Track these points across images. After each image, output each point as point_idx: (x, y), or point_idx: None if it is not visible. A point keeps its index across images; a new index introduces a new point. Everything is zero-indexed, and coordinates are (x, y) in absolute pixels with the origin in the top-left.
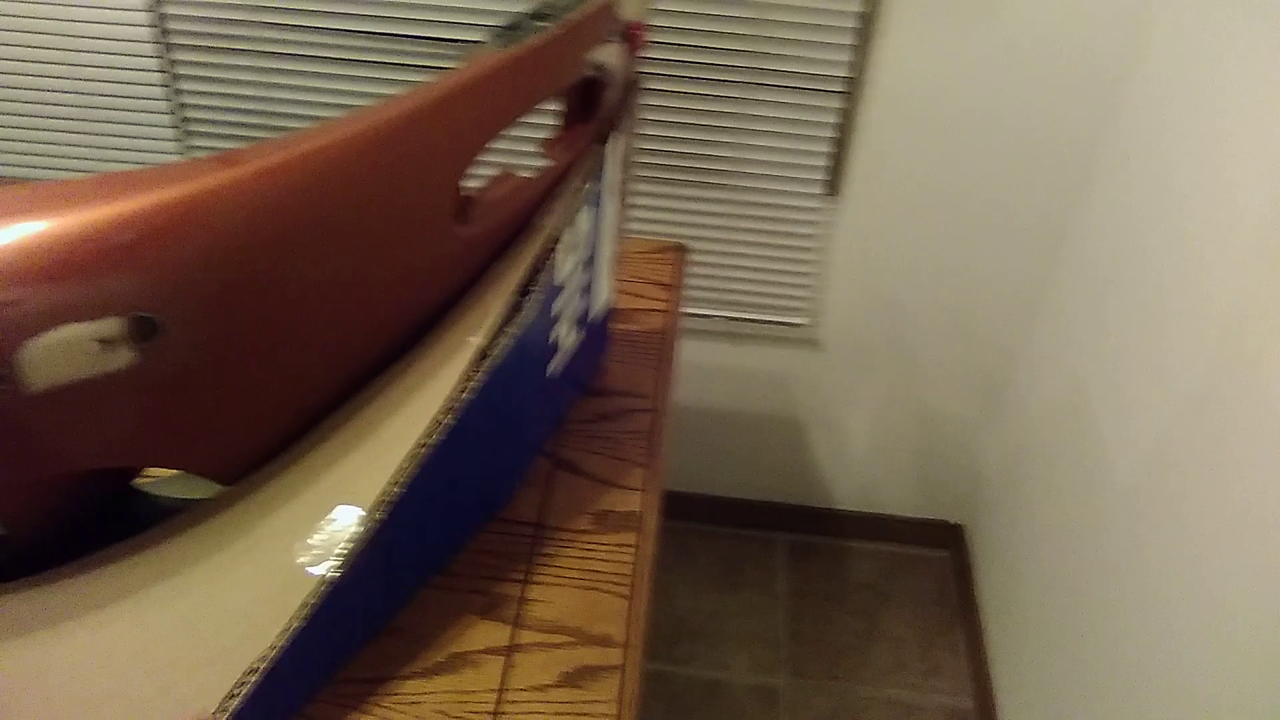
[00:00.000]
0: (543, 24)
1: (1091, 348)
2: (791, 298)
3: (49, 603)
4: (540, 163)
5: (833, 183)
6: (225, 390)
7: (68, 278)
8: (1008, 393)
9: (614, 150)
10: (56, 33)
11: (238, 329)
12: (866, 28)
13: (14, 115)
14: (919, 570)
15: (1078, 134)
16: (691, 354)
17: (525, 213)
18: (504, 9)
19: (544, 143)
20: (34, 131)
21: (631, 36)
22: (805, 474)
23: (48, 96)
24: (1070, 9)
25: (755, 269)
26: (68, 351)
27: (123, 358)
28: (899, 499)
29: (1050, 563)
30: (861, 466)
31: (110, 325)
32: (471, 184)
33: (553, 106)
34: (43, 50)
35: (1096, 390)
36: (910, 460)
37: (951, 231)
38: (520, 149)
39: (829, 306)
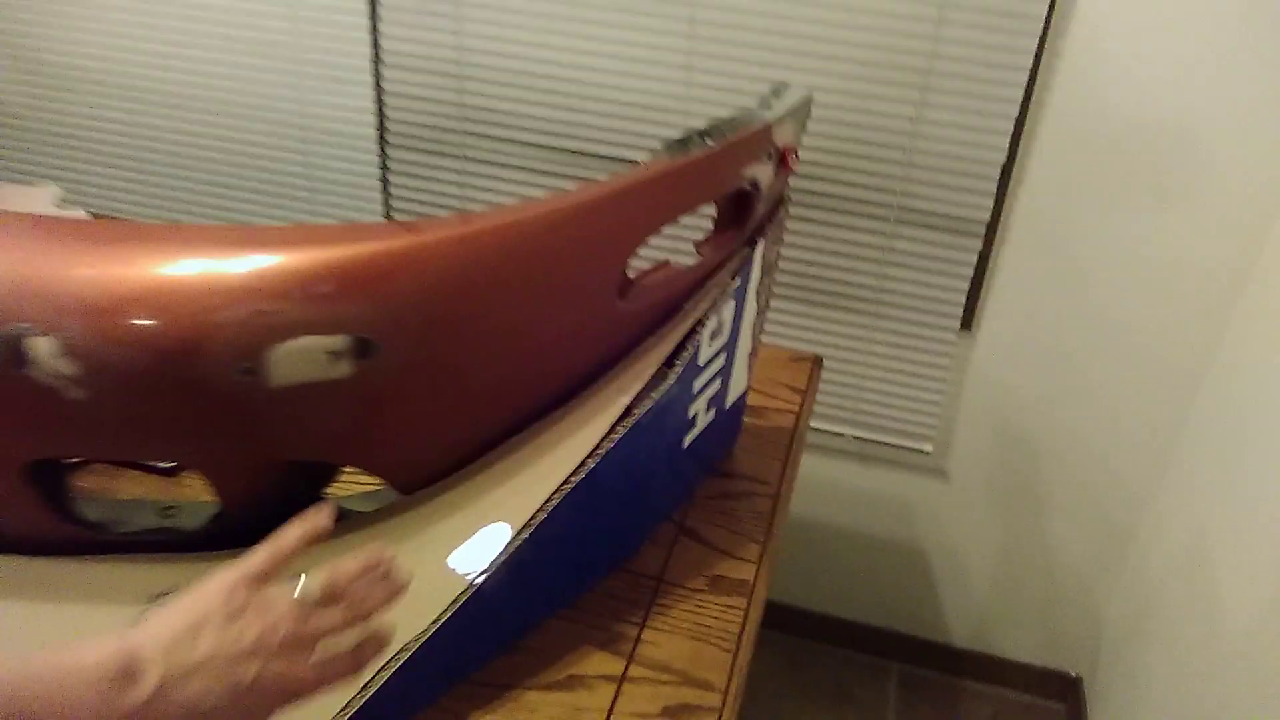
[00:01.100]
0: (707, 140)
1: (1220, 499)
2: (920, 424)
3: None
4: (694, 258)
5: (968, 318)
6: (417, 409)
7: (313, 299)
8: (1134, 541)
9: (759, 255)
10: (295, 124)
11: (433, 360)
12: (1007, 178)
13: (249, 190)
14: (1031, 719)
15: (1217, 276)
16: (817, 470)
17: (677, 298)
18: (665, 134)
19: (699, 242)
20: (264, 204)
21: (783, 158)
22: (922, 604)
23: (280, 175)
24: (1210, 152)
25: (886, 392)
26: (304, 357)
27: (344, 368)
28: (1017, 642)
29: None
30: (980, 603)
31: (339, 341)
32: (634, 267)
33: (709, 211)
34: (280, 138)
35: (1221, 543)
36: (1031, 602)
37: (1084, 373)
38: (678, 244)
39: (957, 437)
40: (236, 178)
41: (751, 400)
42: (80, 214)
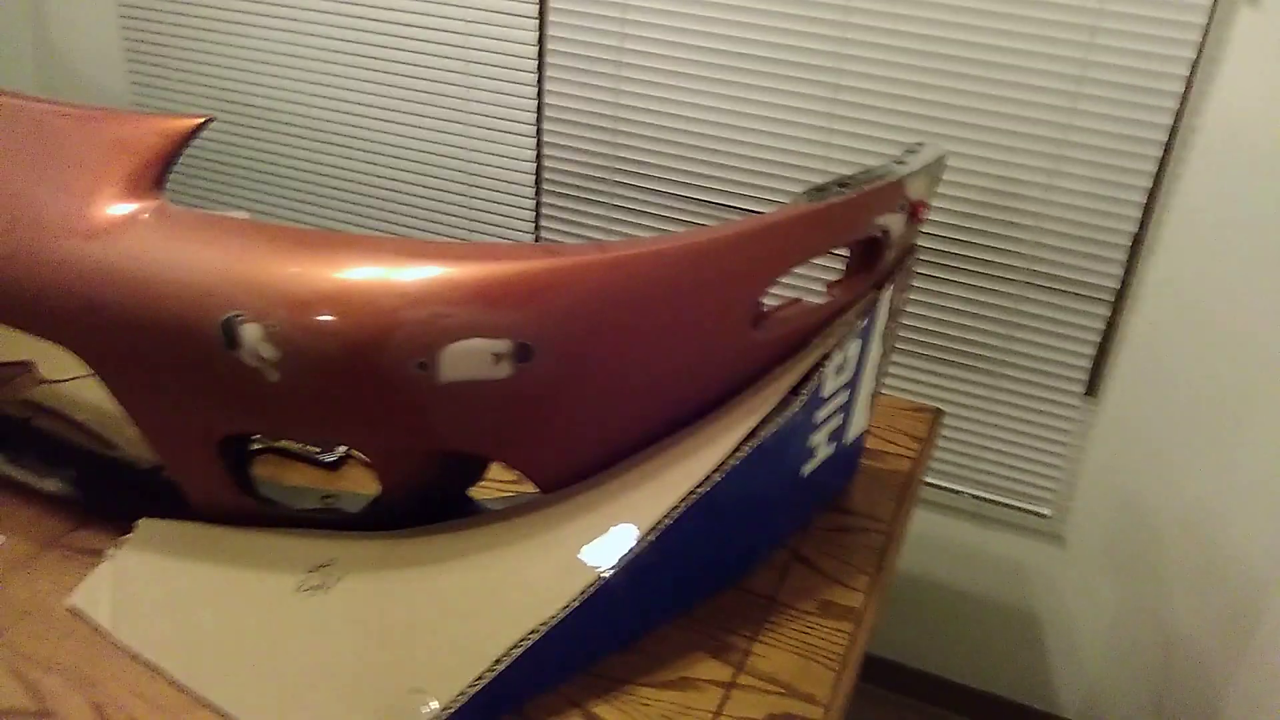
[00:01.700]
0: (844, 189)
1: None
2: (1039, 488)
3: (398, 552)
4: (825, 297)
5: (1093, 384)
6: (564, 413)
7: (481, 305)
8: (1259, 624)
9: (886, 299)
10: (460, 170)
11: (581, 370)
12: (1138, 246)
13: (414, 223)
14: None
15: None
16: (932, 526)
17: (807, 333)
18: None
19: (831, 282)
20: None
21: (914, 211)
22: (1032, 671)
23: (441, 215)
24: None
25: (1006, 453)
26: (471, 357)
27: (505, 369)
28: (1127, 717)
29: None
30: (1092, 675)
31: (503, 344)
32: (769, 301)
33: (843, 254)
34: (444, 181)
35: None
36: (1144, 678)
37: (1212, 446)
38: (811, 284)
39: (1077, 504)
40: (404, 215)
41: (871, 444)
42: (240, 214)
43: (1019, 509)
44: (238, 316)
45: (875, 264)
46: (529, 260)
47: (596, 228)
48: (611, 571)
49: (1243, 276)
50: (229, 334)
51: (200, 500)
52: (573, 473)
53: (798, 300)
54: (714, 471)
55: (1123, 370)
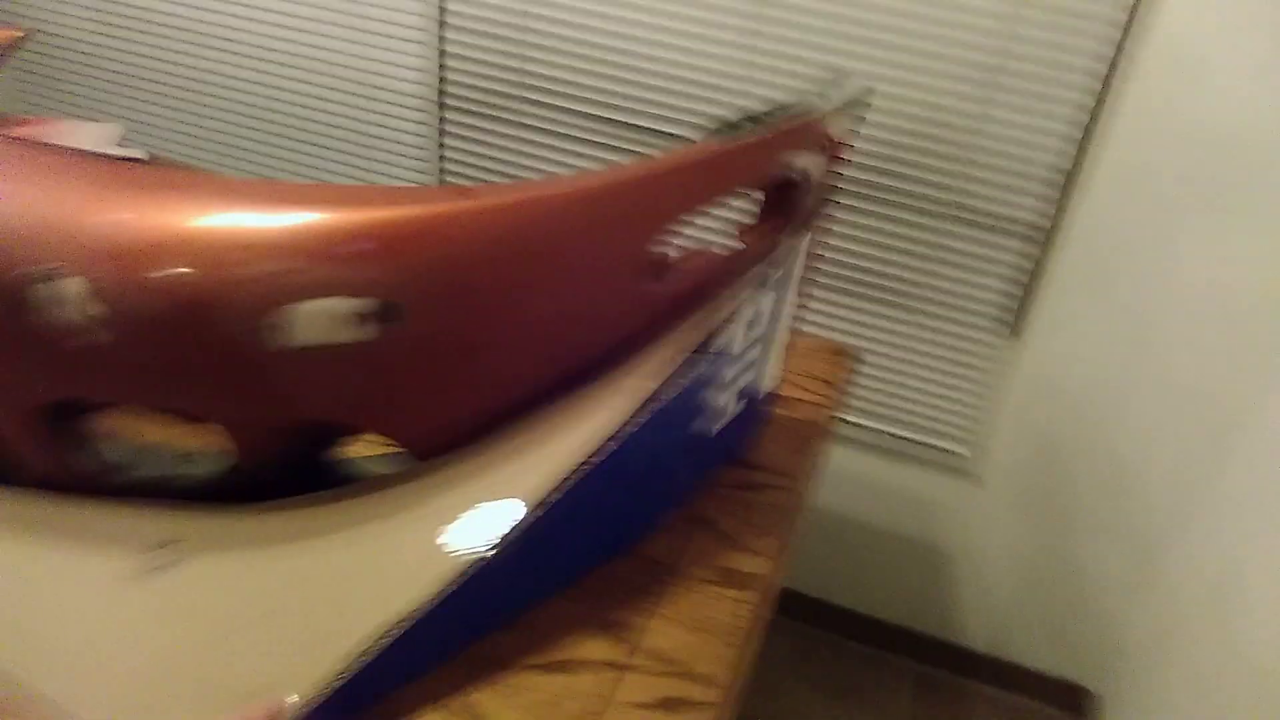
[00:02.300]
0: (757, 126)
1: (1256, 529)
2: (956, 426)
3: (253, 527)
4: (735, 245)
5: (1015, 323)
6: (437, 378)
7: (344, 259)
8: (1163, 562)
9: (803, 247)
10: (351, 79)
11: (460, 330)
12: (1069, 184)
13: (304, 141)
14: None
15: (1267, 315)
16: (848, 463)
17: (714, 285)
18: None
19: (739, 228)
20: (319, 158)
21: (834, 151)
22: (942, 605)
23: (337, 130)
24: (1269, 206)
25: (924, 391)
26: (330, 317)
27: (368, 331)
28: (1035, 650)
29: None
30: (1001, 609)
31: (364, 304)
32: (674, 250)
33: (755, 198)
34: (340, 92)
35: (1256, 577)
36: (1051, 612)
37: (1128, 389)
38: (720, 227)
39: (993, 442)
40: (294, 129)
41: (783, 390)
42: (138, 154)
43: (936, 448)
44: (56, 269)
45: (791, 208)
46: (400, 207)
47: (504, 147)
48: (492, 551)
49: (1173, 217)
50: (45, 290)
51: (34, 470)
52: (451, 440)
53: (705, 249)
54: (609, 439)
55: (1047, 310)
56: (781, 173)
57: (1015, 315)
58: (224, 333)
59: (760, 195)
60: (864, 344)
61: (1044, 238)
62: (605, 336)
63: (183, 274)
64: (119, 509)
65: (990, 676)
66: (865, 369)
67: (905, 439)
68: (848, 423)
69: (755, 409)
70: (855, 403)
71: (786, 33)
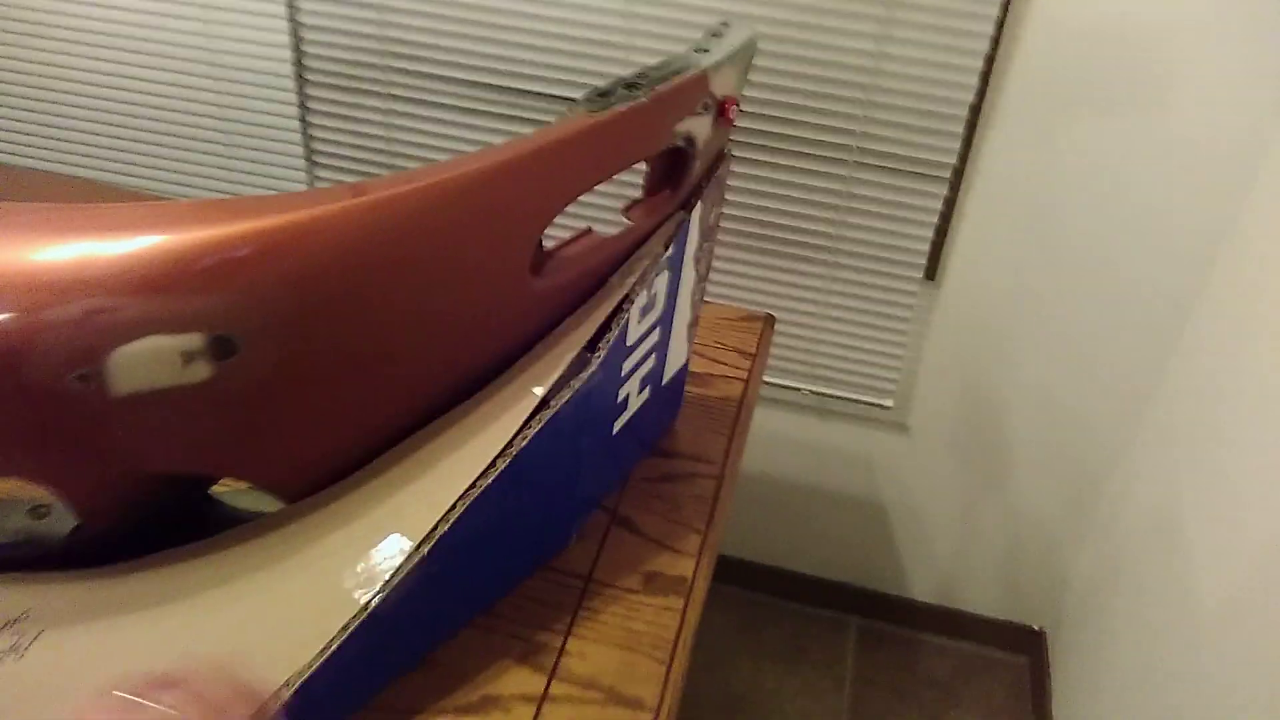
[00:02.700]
0: (634, 92)
1: (1195, 460)
2: (881, 379)
3: (111, 593)
4: (621, 225)
5: (932, 268)
6: (293, 412)
7: (159, 292)
8: (1102, 498)
9: (696, 219)
10: (204, 60)
11: (311, 356)
12: (976, 118)
13: (159, 134)
14: (993, 673)
15: (1200, 216)
16: (775, 424)
17: (602, 271)
18: (605, 70)
19: (627, 205)
20: (177, 150)
21: (723, 109)
22: (882, 559)
23: (191, 119)
24: (1183, 105)
25: (846, 346)
26: (152, 361)
27: (201, 372)
28: (978, 596)
29: (1135, 682)
30: (942, 558)
31: (192, 340)
32: (551, 238)
33: (640, 169)
34: (189, 75)
35: (1195, 506)
36: (993, 557)
37: (1053, 325)
38: (605, 206)
39: (919, 392)
40: (143, 120)
41: (695, 366)
42: None
43: (861, 402)
44: None
45: (680, 179)
46: (221, 224)
47: (376, 122)
48: (377, 598)
49: (1081, 149)
50: None
51: None
52: (320, 477)
53: (587, 232)
54: (499, 456)
55: (961, 252)
56: (667, 141)
57: (931, 260)
58: (26, 389)
59: (644, 166)
60: (777, 302)
61: (955, 178)
62: (485, 345)
63: None
64: None
65: (936, 625)
66: (781, 326)
67: (827, 395)
68: (768, 383)
69: (665, 395)
70: (774, 362)
71: None
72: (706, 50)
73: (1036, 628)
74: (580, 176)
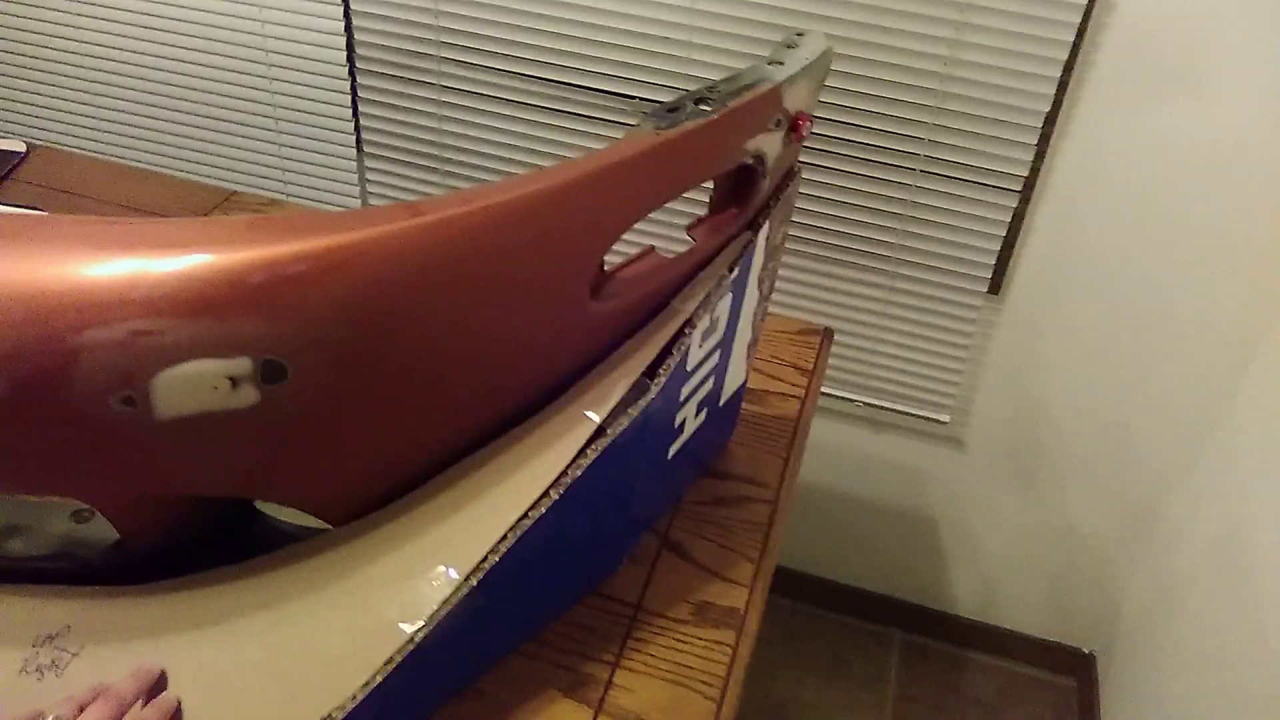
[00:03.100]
0: (704, 108)
1: (1263, 489)
2: (939, 393)
3: (152, 613)
4: (684, 244)
5: (997, 281)
6: (342, 436)
7: (207, 315)
8: (1160, 522)
9: (762, 239)
10: (254, 45)
11: (362, 380)
12: (1050, 129)
13: (207, 119)
14: (1040, 694)
15: (1273, 245)
16: (825, 433)
17: (664, 292)
18: (664, 68)
19: (691, 224)
20: (224, 136)
21: (795, 125)
22: (930, 573)
23: (240, 105)
24: (1266, 122)
25: (904, 358)
26: (197, 385)
27: (248, 396)
28: (1027, 616)
29: (1191, 713)
30: (991, 575)
31: (241, 364)
32: (611, 258)
33: (705, 186)
34: (239, 61)
35: (1262, 539)
36: (1044, 577)
37: (1119, 344)
38: (667, 224)
39: (977, 407)
40: (194, 104)
41: (752, 382)
42: (16, 144)
43: (918, 416)
44: None
45: (747, 197)
46: (273, 244)
47: (427, 113)
48: (423, 631)
49: (1158, 162)
50: None
51: None
52: (369, 502)
53: (649, 251)
54: (552, 486)
55: (1028, 266)
56: (736, 159)
57: (995, 272)
58: (69, 412)
59: (710, 184)
60: (835, 311)
61: (1025, 189)
62: (543, 368)
63: (7, 346)
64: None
65: (982, 643)
66: (839, 336)
67: (886, 409)
68: (824, 394)
69: (721, 416)
70: (829, 372)
71: None
72: (780, 63)
73: (1087, 651)
74: (646, 197)
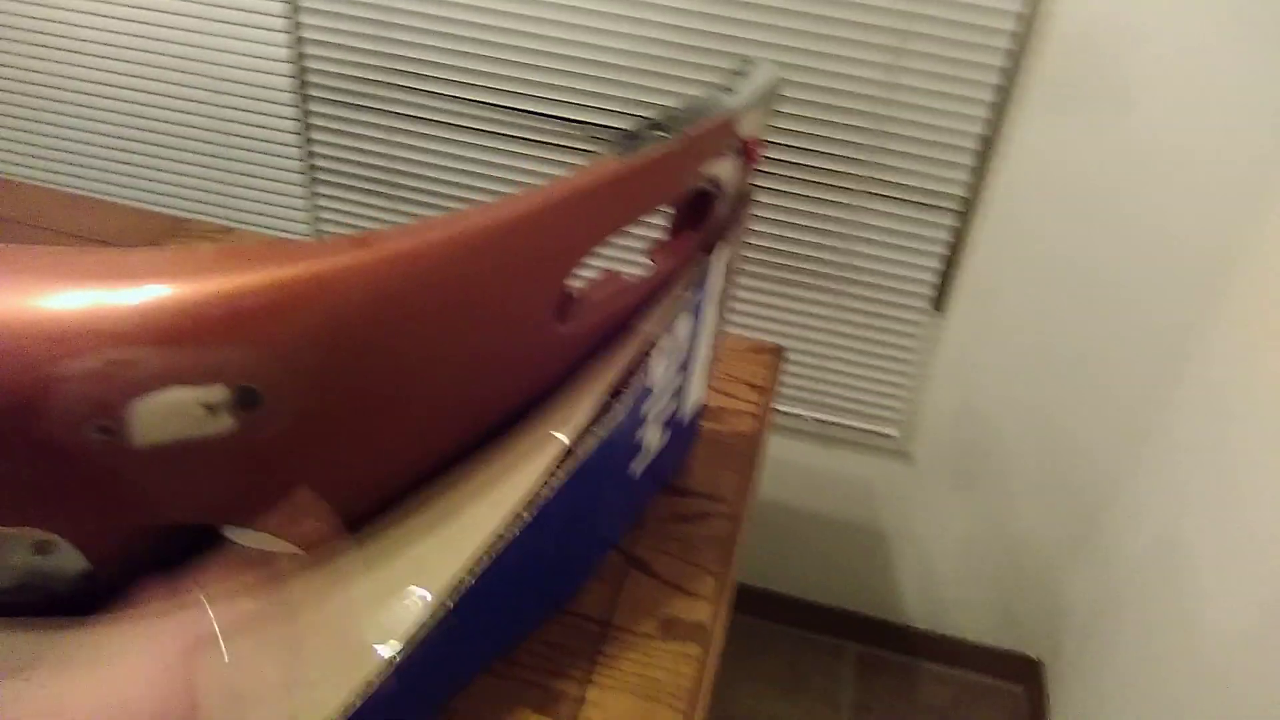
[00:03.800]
0: (662, 135)
1: (1200, 490)
2: (885, 408)
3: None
4: (645, 267)
5: (939, 299)
6: (316, 462)
7: (182, 343)
8: (1103, 528)
9: (719, 260)
10: (203, 74)
11: (335, 406)
12: (987, 149)
13: (156, 146)
14: (991, 701)
15: (1208, 250)
16: (778, 450)
17: (625, 314)
18: (612, 93)
19: (650, 248)
20: (173, 164)
21: (748, 152)
22: (882, 585)
23: (189, 132)
24: (1191, 131)
25: (851, 375)
26: (173, 413)
27: (223, 424)
28: (977, 624)
29: (1137, 716)
30: (941, 585)
31: (216, 392)
32: (575, 282)
33: (664, 210)
34: (188, 89)
35: (1203, 539)
36: (993, 585)
37: (1058, 355)
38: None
39: (923, 420)
40: (139, 132)
41: (707, 400)
42: None
43: (866, 431)
44: None
45: (704, 220)
46: (243, 273)
47: (377, 139)
48: (401, 653)
49: (1094, 174)
50: None
51: None
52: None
53: (611, 276)
54: (522, 508)
55: (970, 284)
56: (693, 184)
57: (939, 290)
58: (45, 441)
59: (671, 210)
60: (783, 329)
61: (965, 209)
62: (511, 389)
63: None
64: None
65: (935, 653)
66: (792, 356)
67: (835, 424)
68: (777, 411)
69: (682, 433)
70: (783, 389)
71: (671, 2)
72: (733, 91)
73: (1034, 656)
74: (608, 222)
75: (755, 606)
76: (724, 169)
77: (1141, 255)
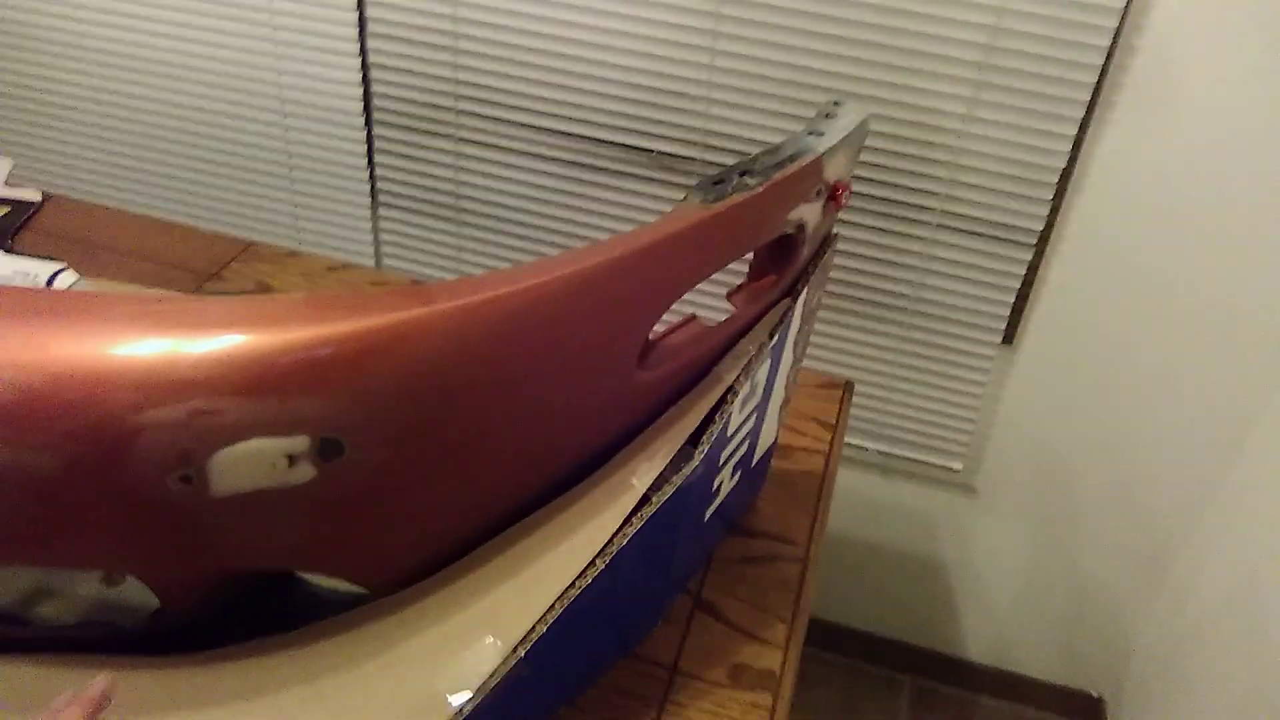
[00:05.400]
0: (748, 180)
1: (1271, 532)
2: (951, 441)
3: (192, 685)
4: (724, 310)
5: (1010, 332)
6: (394, 510)
7: (263, 394)
8: (1170, 571)
9: (800, 304)
10: (273, 95)
11: (416, 455)
12: (1065, 184)
13: (225, 168)
14: None
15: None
16: (840, 480)
17: (705, 360)
18: (681, 122)
19: (731, 291)
20: (241, 186)
21: (834, 194)
22: (941, 618)
23: (257, 154)
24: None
25: (917, 407)
26: (255, 462)
27: (305, 473)
28: (1037, 661)
29: None
30: (1002, 621)
31: (299, 442)
32: (656, 326)
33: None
34: (257, 111)
35: (1274, 591)
36: (1055, 621)
37: (1130, 394)
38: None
39: (989, 455)
40: (209, 152)
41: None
42: (32, 193)
43: (930, 464)
44: None
45: (787, 264)
46: (328, 323)
47: (444, 164)
48: (471, 703)
49: (1176, 217)
50: None
51: None
52: (414, 572)
53: (692, 319)
54: (597, 556)
55: (1041, 318)
56: (780, 230)
57: (1009, 324)
58: (125, 490)
59: (753, 253)
60: (850, 360)
61: (1038, 242)
62: (590, 436)
63: (65, 424)
64: (33, 667)
65: (992, 687)
66: (858, 387)
67: (899, 456)
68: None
69: (752, 475)
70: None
71: (748, 31)
72: (820, 133)
73: (1095, 694)
74: (694, 269)
75: (810, 636)
76: (809, 213)
77: (1214, 304)
